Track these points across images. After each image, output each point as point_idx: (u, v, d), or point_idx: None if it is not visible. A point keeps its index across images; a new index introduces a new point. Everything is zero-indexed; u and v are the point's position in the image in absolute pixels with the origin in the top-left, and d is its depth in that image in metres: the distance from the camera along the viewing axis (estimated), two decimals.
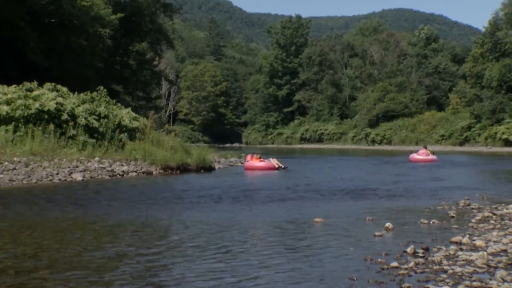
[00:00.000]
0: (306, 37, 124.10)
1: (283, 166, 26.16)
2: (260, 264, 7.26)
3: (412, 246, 7.94)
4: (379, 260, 7.37)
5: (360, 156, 52.86)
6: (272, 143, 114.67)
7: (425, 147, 38.42)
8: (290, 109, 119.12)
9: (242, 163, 32.08)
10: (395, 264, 7.05)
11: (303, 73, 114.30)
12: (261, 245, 8.51)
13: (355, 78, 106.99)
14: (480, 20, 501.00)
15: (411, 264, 7.06)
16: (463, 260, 7.24)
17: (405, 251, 7.83)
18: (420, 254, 7.68)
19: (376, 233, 9.23)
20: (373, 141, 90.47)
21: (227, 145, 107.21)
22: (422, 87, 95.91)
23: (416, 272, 6.75)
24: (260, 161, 26.42)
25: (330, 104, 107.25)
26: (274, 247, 8.32)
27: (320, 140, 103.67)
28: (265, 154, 45.83)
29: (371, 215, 11.23)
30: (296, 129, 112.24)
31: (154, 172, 22.98)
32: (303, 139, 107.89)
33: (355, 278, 6.49)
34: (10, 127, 21.28)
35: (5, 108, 21.55)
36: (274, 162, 26.33)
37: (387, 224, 9.83)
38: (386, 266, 7.00)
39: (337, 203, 13.76)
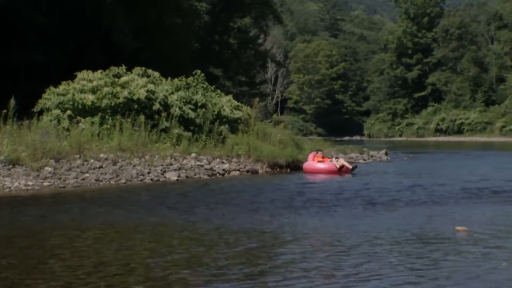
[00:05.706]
0: (441, 6, 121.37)
1: (350, 167, 24.69)
2: (396, 281, 7.17)
3: None
4: None
5: (511, 151, 51.07)
6: (400, 136, 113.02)
7: None
8: (422, 94, 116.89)
9: (364, 160, 31.88)
10: None
11: (439, 50, 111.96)
12: (394, 258, 8.36)
13: (504, 55, 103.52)
14: None
15: None
16: None
17: None
18: None
19: None
20: None
21: (346, 138, 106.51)
22: None
23: None
24: (319, 161, 25.11)
25: (472, 87, 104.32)
26: (410, 260, 8.20)
27: (459, 132, 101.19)
28: (391, 148, 45.32)
29: None
30: (430, 118, 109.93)
31: (260, 171, 23.19)
32: (438, 131, 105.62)
33: None
34: (96, 118, 21.90)
35: (91, 97, 22.08)
36: (338, 163, 24.72)
37: None
38: None
39: (481, 209, 13.38)
